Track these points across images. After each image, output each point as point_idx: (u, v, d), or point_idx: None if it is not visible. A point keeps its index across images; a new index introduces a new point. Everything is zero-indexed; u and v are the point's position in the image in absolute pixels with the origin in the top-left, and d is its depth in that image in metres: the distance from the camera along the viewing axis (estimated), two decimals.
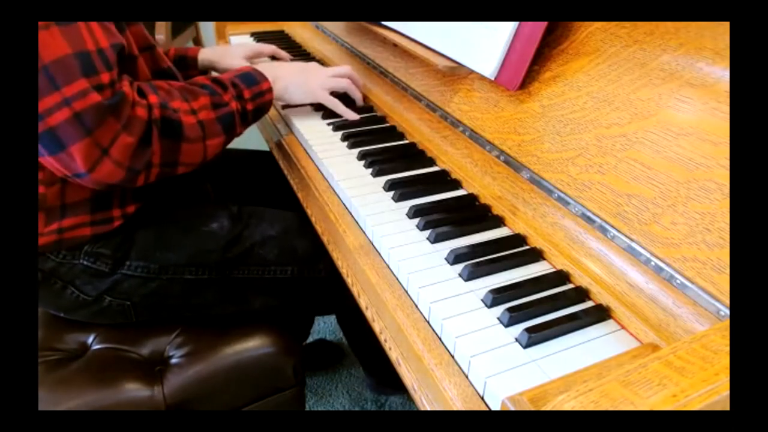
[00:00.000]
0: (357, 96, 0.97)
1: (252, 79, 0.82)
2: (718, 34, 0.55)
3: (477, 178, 0.73)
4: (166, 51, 1.05)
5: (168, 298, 0.81)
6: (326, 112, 0.94)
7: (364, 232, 0.68)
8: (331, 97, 0.92)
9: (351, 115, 0.93)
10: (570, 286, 0.57)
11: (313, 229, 0.84)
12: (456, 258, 0.60)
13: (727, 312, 0.45)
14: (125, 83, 0.65)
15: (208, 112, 0.74)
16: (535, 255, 0.61)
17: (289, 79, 0.89)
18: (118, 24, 0.69)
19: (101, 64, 0.61)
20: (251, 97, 0.80)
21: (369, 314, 0.64)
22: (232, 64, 1.07)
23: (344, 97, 0.96)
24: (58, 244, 0.74)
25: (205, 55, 1.07)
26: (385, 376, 1.30)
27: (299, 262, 0.85)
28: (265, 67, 0.87)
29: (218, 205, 0.87)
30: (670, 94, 0.56)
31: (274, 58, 1.17)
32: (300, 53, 1.27)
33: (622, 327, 0.52)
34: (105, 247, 0.76)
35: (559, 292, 0.56)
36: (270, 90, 0.83)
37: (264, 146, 1.09)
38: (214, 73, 1.13)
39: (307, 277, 0.86)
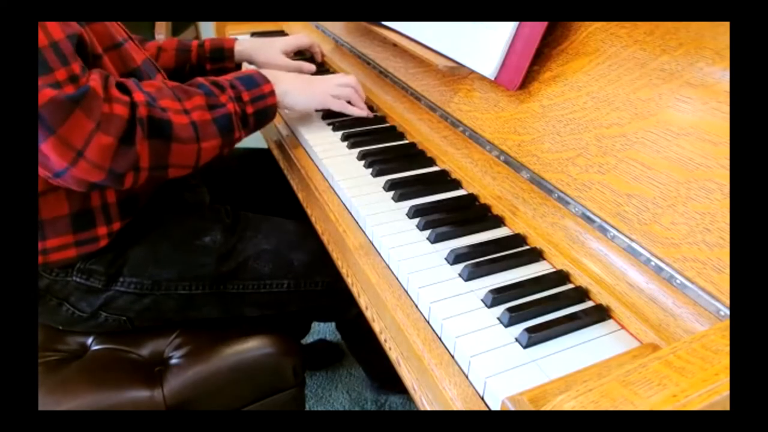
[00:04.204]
0: (361, 104, 0.93)
1: (252, 81, 0.79)
2: (718, 34, 0.55)
3: (477, 178, 0.73)
4: (201, 42, 1.04)
5: (164, 312, 0.81)
6: (327, 113, 0.94)
7: (364, 232, 0.68)
8: (336, 100, 0.90)
9: (361, 112, 0.91)
10: (570, 286, 0.57)
11: (311, 240, 0.83)
12: (456, 258, 0.60)
13: (727, 312, 0.45)
14: (94, 76, 0.61)
15: (203, 113, 0.71)
16: (535, 255, 0.61)
17: (290, 84, 0.85)
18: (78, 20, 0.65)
19: (55, 59, 0.58)
20: (251, 100, 0.77)
21: (369, 314, 0.64)
22: (269, 57, 1.06)
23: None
24: (45, 266, 0.72)
25: (242, 46, 1.06)
26: (385, 379, 1.30)
27: (296, 276, 0.84)
28: (266, 71, 0.84)
29: (211, 217, 0.84)
30: (670, 94, 0.56)
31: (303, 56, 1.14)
32: (299, 53, 1.27)
33: (622, 327, 0.52)
34: (97, 263, 0.75)
35: (559, 292, 0.56)
36: (272, 93, 0.80)
37: (262, 144, 1.09)
38: (250, 66, 1.12)
39: (304, 290, 0.85)
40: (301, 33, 1.15)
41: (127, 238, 0.76)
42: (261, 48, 1.07)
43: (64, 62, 0.58)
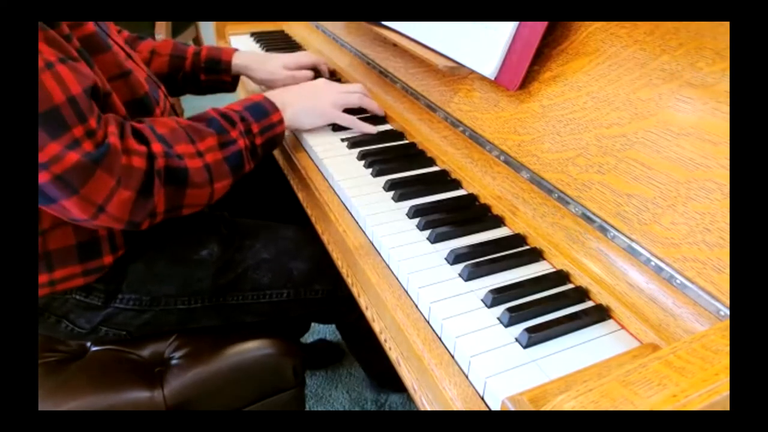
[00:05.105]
0: (373, 106, 0.92)
1: (262, 110, 0.78)
2: (718, 34, 0.55)
3: (477, 178, 0.73)
4: (198, 50, 1.02)
5: (164, 326, 0.81)
6: None
7: (364, 232, 0.68)
8: (345, 115, 0.88)
9: (368, 129, 0.88)
10: (570, 286, 0.57)
11: (311, 247, 0.83)
12: (456, 258, 0.60)
13: (727, 312, 0.45)
14: (111, 129, 0.61)
15: (215, 153, 0.70)
16: (535, 255, 0.61)
17: (298, 105, 0.84)
18: (87, 59, 0.64)
19: (73, 115, 0.56)
20: (260, 131, 0.76)
21: (369, 314, 0.64)
22: (268, 74, 1.03)
23: (358, 112, 0.91)
24: (51, 296, 0.72)
25: (240, 60, 1.03)
26: (385, 379, 1.30)
27: (295, 285, 0.84)
28: (273, 94, 0.82)
29: (208, 228, 0.83)
30: (670, 94, 0.56)
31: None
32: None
33: (622, 327, 0.52)
34: (97, 281, 0.74)
35: (559, 292, 0.56)
36: (281, 121, 0.80)
37: None
38: (245, 80, 1.09)
39: (304, 299, 0.85)
40: (305, 51, 1.11)
41: (125, 254, 0.76)
42: (259, 64, 1.04)
43: (82, 119, 0.57)
